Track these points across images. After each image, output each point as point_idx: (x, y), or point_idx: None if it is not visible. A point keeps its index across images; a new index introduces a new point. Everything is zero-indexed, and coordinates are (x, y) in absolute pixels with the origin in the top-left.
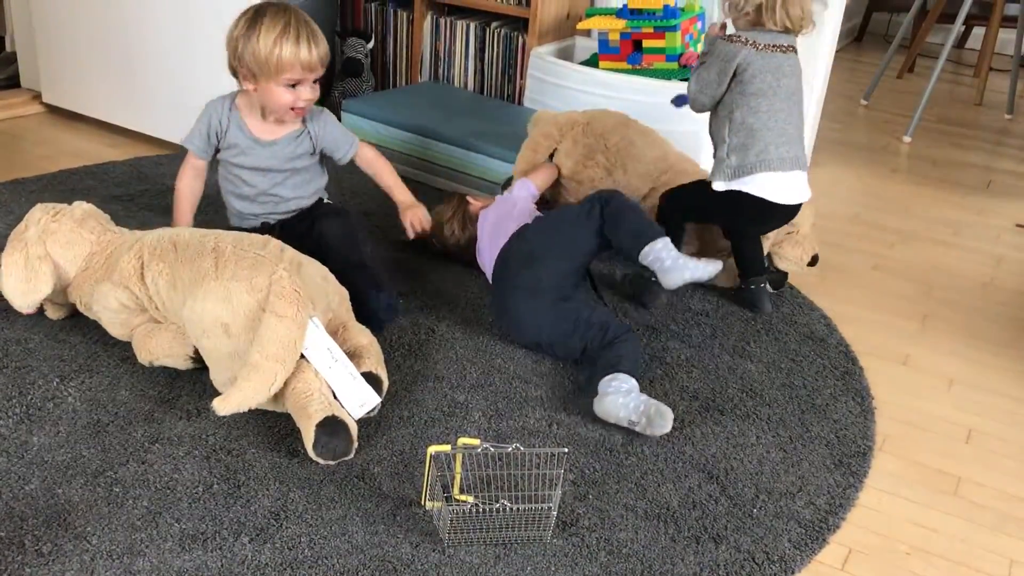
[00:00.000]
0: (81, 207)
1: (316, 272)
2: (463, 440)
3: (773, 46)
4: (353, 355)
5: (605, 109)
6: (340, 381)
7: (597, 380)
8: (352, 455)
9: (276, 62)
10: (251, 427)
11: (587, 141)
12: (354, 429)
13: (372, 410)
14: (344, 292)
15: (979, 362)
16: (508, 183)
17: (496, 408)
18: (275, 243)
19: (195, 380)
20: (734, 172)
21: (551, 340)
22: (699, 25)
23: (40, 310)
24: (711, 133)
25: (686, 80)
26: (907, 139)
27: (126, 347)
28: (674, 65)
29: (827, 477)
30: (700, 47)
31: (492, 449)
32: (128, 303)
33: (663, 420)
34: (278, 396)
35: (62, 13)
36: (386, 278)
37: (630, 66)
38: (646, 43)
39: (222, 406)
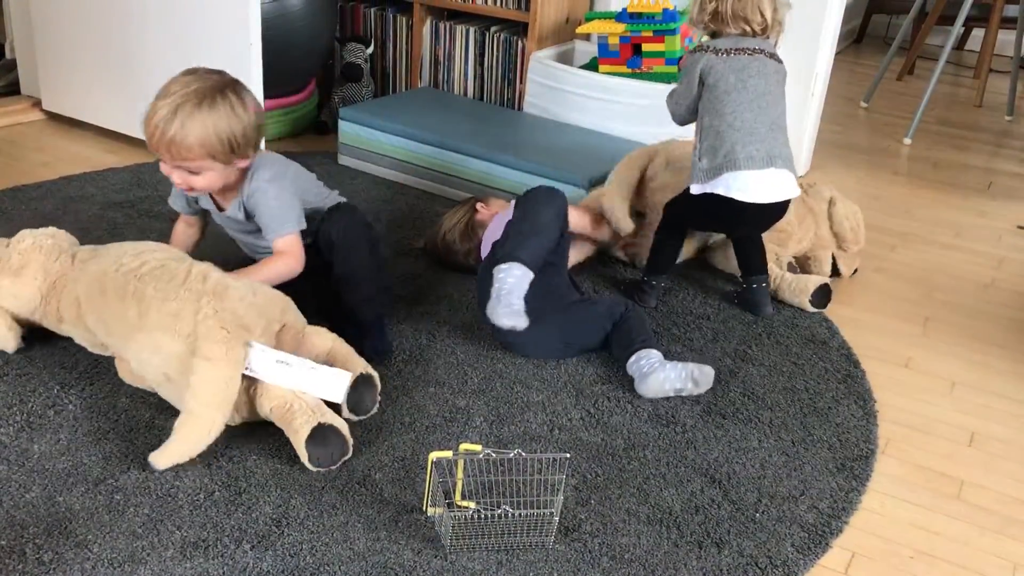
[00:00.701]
0: (22, 246)
1: (246, 292)
2: (465, 446)
3: (737, 50)
4: (326, 363)
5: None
6: (304, 382)
7: (623, 364)
8: (351, 453)
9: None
10: (252, 434)
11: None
12: (345, 428)
13: (369, 408)
14: (286, 299)
15: (981, 364)
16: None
17: (497, 413)
18: (197, 271)
19: None
20: (704, 175)
21: (566, 352)
22: None
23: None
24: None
25: None
26: (907, 141)
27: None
28: (674, 68)
29: (830, 481)
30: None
31: (494, 455)
32: (90, 338)
33: (707, 377)
34: (261, 409)
35: (62, 20)
36: (377, 301)
37: (630, 70)
38: (646, 47)
39: (160, 460)
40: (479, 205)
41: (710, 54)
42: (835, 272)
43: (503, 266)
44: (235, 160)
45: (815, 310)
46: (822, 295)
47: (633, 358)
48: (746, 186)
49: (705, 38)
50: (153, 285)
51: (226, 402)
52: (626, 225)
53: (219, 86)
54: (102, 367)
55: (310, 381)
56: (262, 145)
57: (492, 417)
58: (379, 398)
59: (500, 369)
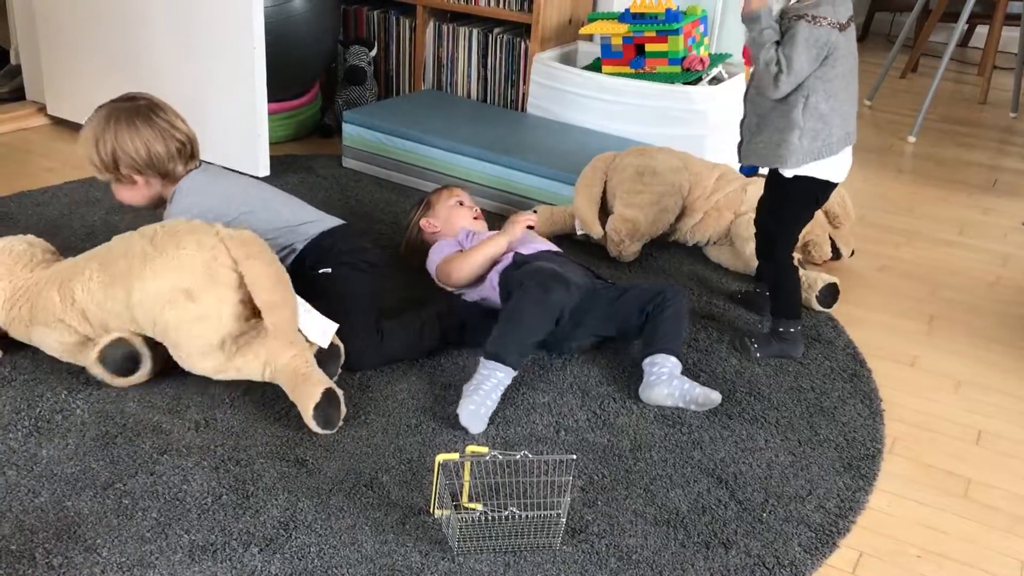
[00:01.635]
0: None
1: (250, 232)
2: (471, 448)
3: (848, 20)
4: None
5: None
6: (301, 319)
7: (641, 358)
8: (341, 422)
9: None
10: (259, 437)
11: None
12: (342, 399)
13: (336, 422)
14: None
15: (987, 362)
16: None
17: (504, 415)
18: (198, 221)
19: (202, 391)
20: (805, 155)
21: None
22: (701, 28)
23: None
24: (763, 118)
25: (689, 83)
26: (912, 139)
27: None
28: (677, 68)
29: (836, 480)
30: (704, 50)
31: (500, 457)
32: (67, 339)
33: (710, 401)
34: (272, 369)
35: (66, 25)
36: (366, 357)
37: (633, 70)
38: (649, 47)
39: (320, 337)
40: (423, 222)
41: (834, 29)
42: (836, 254)
43: (490, 365)
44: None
45: (822, 309)
46: (829, 294)
47: (649, 360)
48: (837, 168)
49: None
50: (161, 226)
51: (284, 284)
52: (596, 229)
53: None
54: None
55: (304, 320)
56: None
57: (498, 419)
58: (344, 410)
59: None
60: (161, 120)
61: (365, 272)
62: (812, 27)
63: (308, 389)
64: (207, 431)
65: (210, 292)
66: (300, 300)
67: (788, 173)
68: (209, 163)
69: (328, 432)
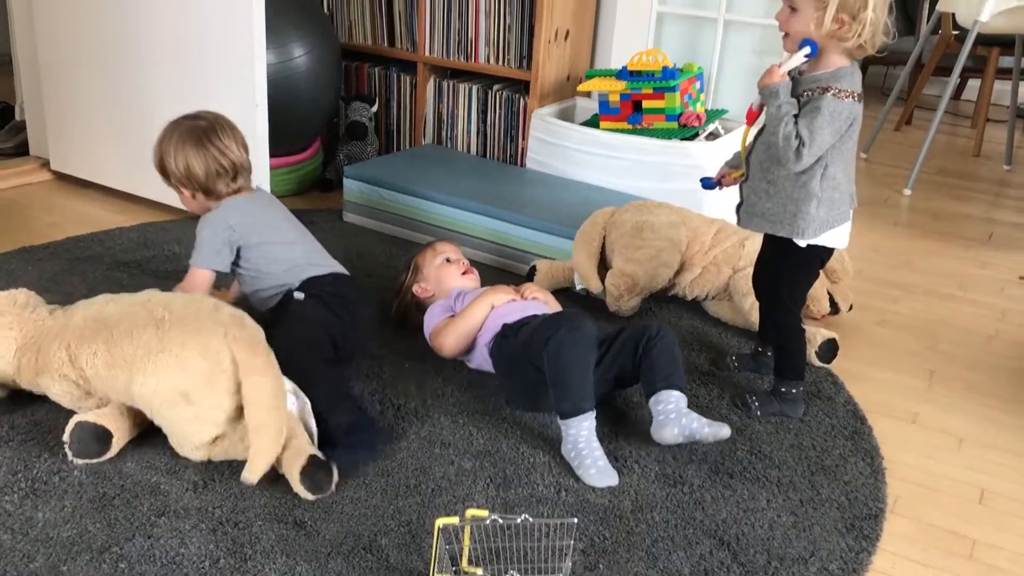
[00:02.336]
0: None
1: (252, 322)
2: (471, 512)
3: (862, 90)
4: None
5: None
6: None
7: (646, 398)
8: (333, 488)
9: None
10: (257, 498)
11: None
12: (334, 467)
13: (326, 488)
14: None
15: (988, 419)
16: (532, 271)
17: (504, 475)
18: (208, 302)
19: None
20: (822, 225)
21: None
22: (697, 85)
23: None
24: (774, 184)
25: (687, 139)
26: (907, 192)
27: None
28: (674, 124)
29: (839, 541)
30: (700, 106)
31: (501, 520)
32: (71, 390)
33: (719, 437)
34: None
35: (71, 82)
36: (339, 411)
37: (631, 126)
38: (646, 103)
39: (253, 475)
40: (416, 288)
41: (856, 102)
42: (834, 309)
43: (572, 423)
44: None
45: (821, 364)
46: (829, 349)
47: (654, 399)
48: (846, 229)
49: (799, 59)
50: (168, 312)
51: (282, 403)
52: (595, 284)
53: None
54: None
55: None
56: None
57: (498, 479)
58: (336, 478)
59: (506, 428)
60: (213, 142)
61: (331, 308)
62: (837, 101)
63: (293, 456)
64: (205, 492)
65: (208, 399)
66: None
67: (803, 243)
68: (263, 190)
69: (319, 497)
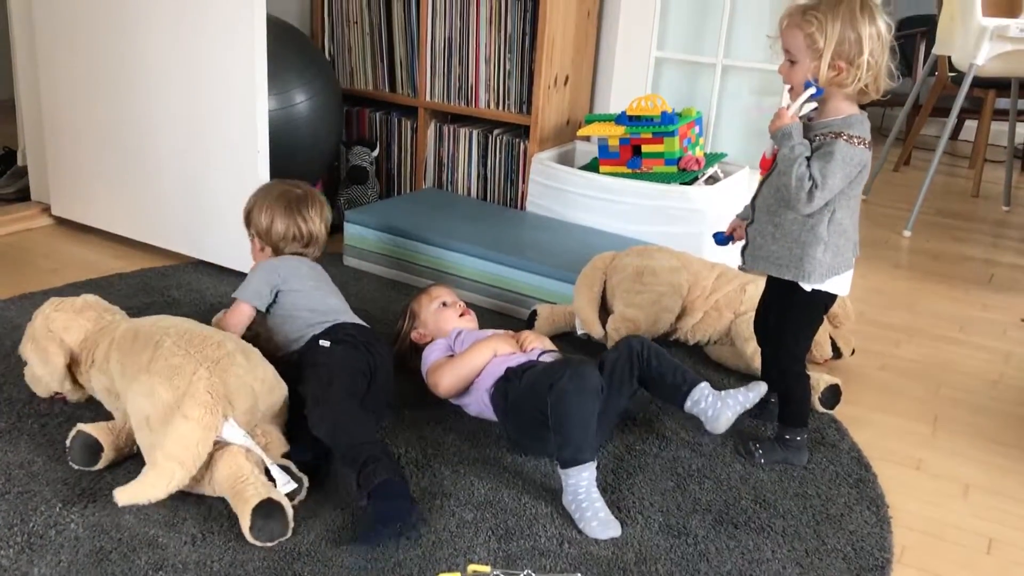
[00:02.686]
0: (84, 298)
1: (246, 372)
2: (473, 567)
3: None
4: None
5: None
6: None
7: (680, 408)
8: (288, 535)
9: None
10: (256, 551)
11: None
12: (289, 511)
13: (296, 491)
14: (284, 399)
15: (994, 465)
16: (533, 316)
17: (506, 526)
18: (218, 339)
19: (199, 502)
20: (828, 270)
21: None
22: (696, 129)
23: (63, 398)
24: (780, 228)
25: (686, 183)
26: (907, 233)
27: (130, 469)
28: (673, 168)
29: None
30: (700, 150)
31: (503, 575)
32: (108, 386)
33: (761, 389)
34: (211, 481)
35: (73, 127)
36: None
37: (630, 170)
38: (645, 148)
39: (121, 496)
40: (414, 335)
41: (867, 150)
42: (836, 353)
43: (572, 472)
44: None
45: (824, 410)
46: (832, 395)
47: (690, 402)
48: (846, 279)
49: (805, 98)
50: (173, 340)
51: (192, 460)
52: (596, 329)
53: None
54: (105, 481)
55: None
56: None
57: (500, 531)
58: (291, 523)
59: (507, 478)
60: (299, 211)
61: (358, 349)
62: (850, 146)
63: (242, 504)
64: (204, 545)
65: (162, 429)
66: (263, 454)
67: (808, 287)
68: (317, 265)
69: (269, 545)
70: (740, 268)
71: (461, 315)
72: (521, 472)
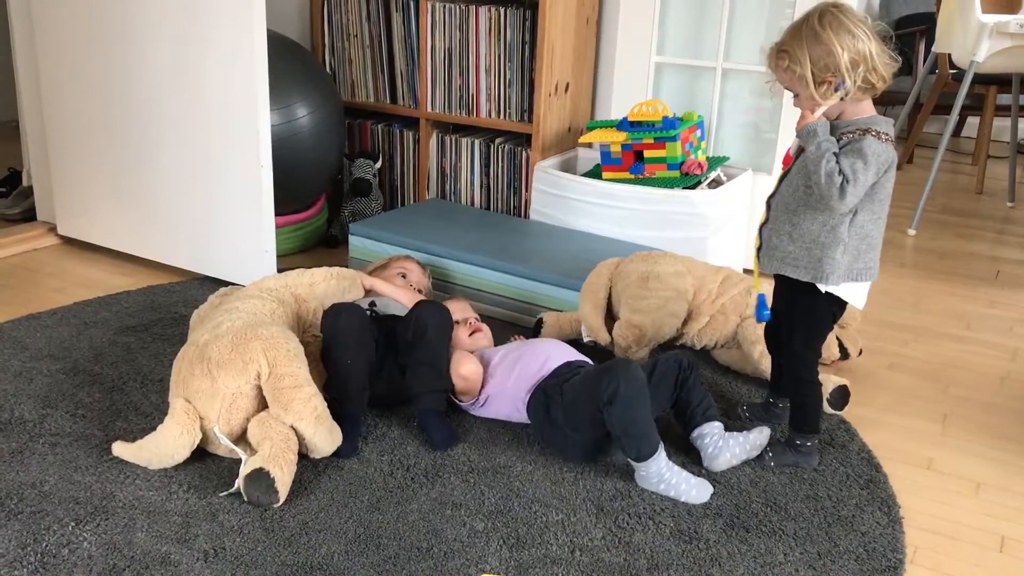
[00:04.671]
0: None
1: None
2: None
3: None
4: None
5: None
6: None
7: (687, 434)
8: (275, 506)
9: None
10: (268, 566)
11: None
12: (283, 486)
13: (265, 502)
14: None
15: (1005, 463)
16: (539, 324)
17: (517, 536)
18: (249, 331)
19: (211, 517)
20: (846, 273)
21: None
22: (698, 133)
23: None
24: (798, 227)
25: (689, 187)
26: (912, 232)
27: (141, 485)
28: (676, 173)
29: None
30: (702, 154)
31: None
32: None
33: (764, 438)
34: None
35: (76, 147)
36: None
37: (633, 176)
38: (647, 153)
39: (116, 448)
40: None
41: (890, 145)
42: (844, 354)
43: (648, 464)
44: None
45: (833, 411)
46: (840, 396)
47: (696, 432)
48: (864, 291)
49: (823, 105)
50: (221, 325)
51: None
52: (603, 336)
53: None
54: (117, 499)
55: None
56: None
57: (511, 540)
58: (277, 491)
59: (517, 488)
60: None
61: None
62: (878, 142)
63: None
64: (216, 561)
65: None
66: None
67: (824, 288)
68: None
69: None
70: (746, 271)
71: (472, 333)
72: (531, 481)
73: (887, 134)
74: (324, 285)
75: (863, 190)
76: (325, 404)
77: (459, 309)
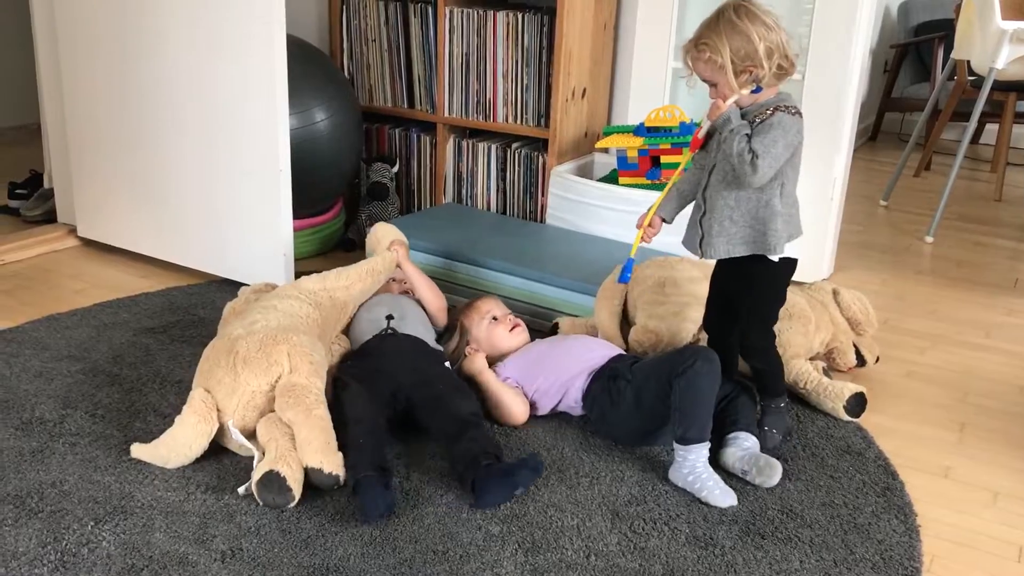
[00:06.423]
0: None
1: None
2: None
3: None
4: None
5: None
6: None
7: (721, 434)
8: (290, 506)
9: None
10: (285, 568)
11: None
12: (296, 485)
13: (280, 503)
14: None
15: (1023, 472)
16: (555, 329)
17: (532, 540)
18: (280, 337)
19: (229, 519)
20: (787, 239)
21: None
22: None
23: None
24: (737, 210)
25: None
26: (929, 239)
27: (159, 486)
28: None
29: None
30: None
31: None
32: None
33: (772, 471)
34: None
35: (97, 149)
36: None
37: (649, 181)
38: (664, 159)
39: (135, 450)
40: (468, 350)
41: (800, 118)
42: (861, 361)
43: (693, 448)
44: None
45: (849, 419)
46: (857, 403)
47: (732, 435)
48: (798, 248)
49: (741, 93)
50: (253, 326)
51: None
52: (618, 342)
53: None
54: (136, 499)
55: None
56: None
57: (527, 544)
58: (290, 488)
59: (533, 491)
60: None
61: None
62: (788, 116)
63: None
64: (233, 562)
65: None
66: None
67: (775, 258)
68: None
69: (264, 504)
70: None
71: (512, 328)
72: (547, 484)
73: (795, 107)
74: (360, 286)
75: (776, 162)
76: (329, 418)
77: (496, 306)
